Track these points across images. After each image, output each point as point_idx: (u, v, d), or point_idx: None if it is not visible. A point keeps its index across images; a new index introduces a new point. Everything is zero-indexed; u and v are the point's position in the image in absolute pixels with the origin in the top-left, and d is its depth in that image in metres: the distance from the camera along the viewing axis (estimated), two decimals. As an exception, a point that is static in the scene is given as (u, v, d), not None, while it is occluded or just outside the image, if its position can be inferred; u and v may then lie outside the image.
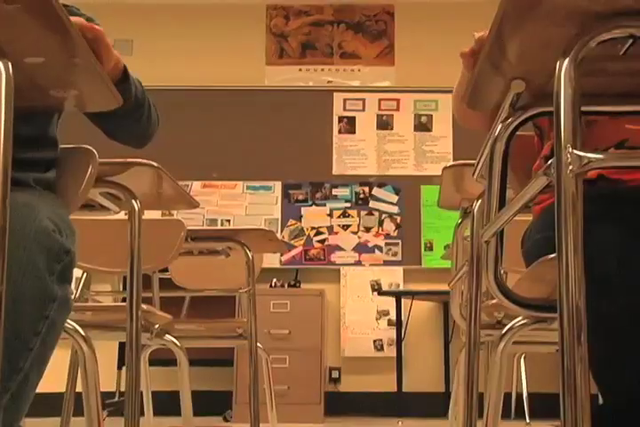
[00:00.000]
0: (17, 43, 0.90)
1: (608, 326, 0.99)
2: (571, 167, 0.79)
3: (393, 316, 4.93)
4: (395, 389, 4.65)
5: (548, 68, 0.85)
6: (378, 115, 5.40)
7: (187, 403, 2.35)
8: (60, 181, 1.46)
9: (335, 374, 5.02)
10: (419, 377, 4.97)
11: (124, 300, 1.86)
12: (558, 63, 0.82)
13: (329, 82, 5.45)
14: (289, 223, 5.24)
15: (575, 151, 0.80)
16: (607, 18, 0.79)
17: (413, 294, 4.89)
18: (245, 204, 5.27)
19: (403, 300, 4.80)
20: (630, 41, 0.82)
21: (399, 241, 5.20)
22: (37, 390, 1.19)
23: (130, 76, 1.50)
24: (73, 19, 1.20)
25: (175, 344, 2.20)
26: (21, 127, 0.91)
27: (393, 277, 5.16)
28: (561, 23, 0.81)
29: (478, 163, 1.17)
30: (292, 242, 5.19)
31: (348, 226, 5.24)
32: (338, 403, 4.89)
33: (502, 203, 1.07)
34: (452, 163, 1.90)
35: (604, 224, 1.03)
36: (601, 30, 0.80)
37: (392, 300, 4.85)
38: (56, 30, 0.89)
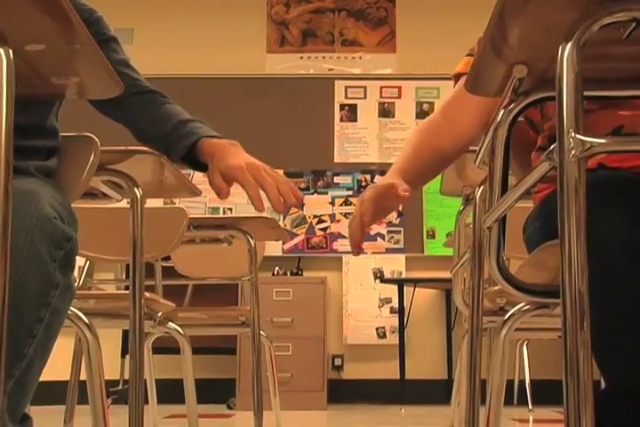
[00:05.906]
0: (17, 30, 0.90)
1: (611, 310, 0.99)
2: (573, 152, 0.79)
3: (395, 303, 4.94)
4: (397, 376, 4.66)
5: (550, 53, 0.85)
6: (379, 102, 5.39)
7: (190, 391, 2.36)
8: (61, 169, 1.46)
9: (338, 362, 5.04)
10: (421, 364, 4.98)
11: (126, 288, 1.86)
12: (561, 47, 0.81)
13: (330, 70, 5.44)
14: (291, 211, 5.23)
15: (578, 136, 0.79)
16: (610, 1, 0.79)
17: (416, 282, 4.90)
18: (247, 192, 5.26)
19: (405, 287, 4.81)
20: (633, 25, 0.82)
21: (401, 229, 5.20)
22: (42, 378, 1.19)
23: None
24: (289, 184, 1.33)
25: (178, 332, 2.21)
26: (21, 115, 0.91)
27: (395, 264, 5.16)
28: (563, 7, 0.81)
29: (480, 149, 1.16)
30: (295, 230, 5.20)
31: (350, 214, 5.23)
32: (341, 390, 4.91)
33: (504, 189, 1.06)
34: (453, 150, 1.89)
35: (606, 211, 1.03)
36: (604, 14, 0.79)
37: (394, 287, 4.86)
38: (56, 17, 0.89)
